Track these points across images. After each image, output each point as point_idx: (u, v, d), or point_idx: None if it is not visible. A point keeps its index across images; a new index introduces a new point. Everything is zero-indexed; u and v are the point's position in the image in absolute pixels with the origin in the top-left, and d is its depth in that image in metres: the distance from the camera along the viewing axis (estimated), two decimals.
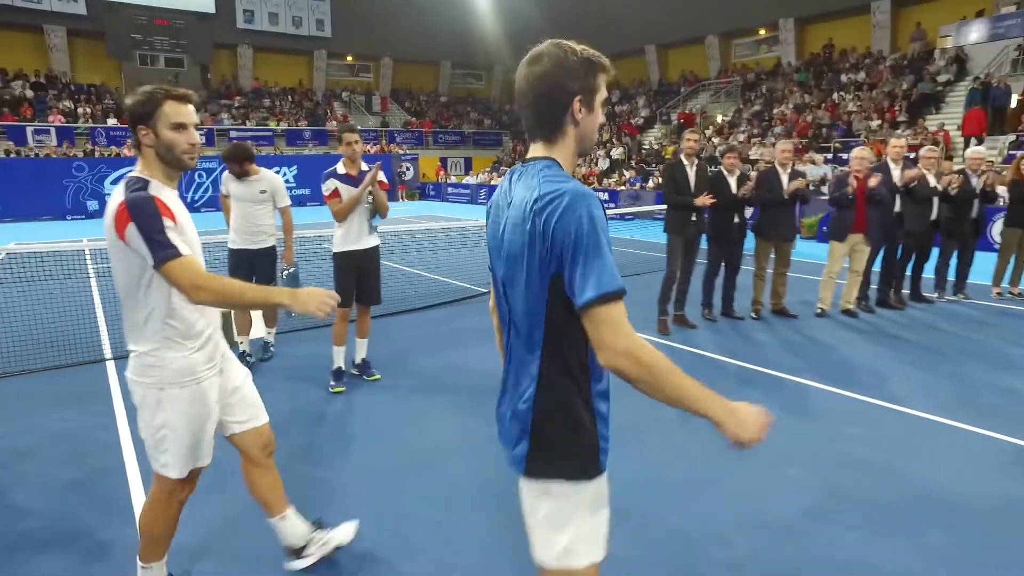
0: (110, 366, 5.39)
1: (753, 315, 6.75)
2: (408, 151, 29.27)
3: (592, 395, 1.54)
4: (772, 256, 6.75)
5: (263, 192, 5.23)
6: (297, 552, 2.67)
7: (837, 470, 3.51)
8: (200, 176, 21.68)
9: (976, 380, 4.91)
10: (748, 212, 6.67)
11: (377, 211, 4.92)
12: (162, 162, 2.15)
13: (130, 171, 2.18)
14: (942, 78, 20.25)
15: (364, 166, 4.90)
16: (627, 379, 1.38)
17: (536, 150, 1.56)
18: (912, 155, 14.49)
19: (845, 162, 13.69)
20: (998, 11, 20.26)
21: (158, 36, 27.13)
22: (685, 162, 6.01)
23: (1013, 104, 17.40)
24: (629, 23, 30.05)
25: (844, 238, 6.61)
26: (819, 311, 6.84)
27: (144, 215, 2.01)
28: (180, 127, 2.12)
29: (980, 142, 16.70)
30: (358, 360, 5.11)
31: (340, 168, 4.82)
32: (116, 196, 2.08)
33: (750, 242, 6.67)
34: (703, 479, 3.39)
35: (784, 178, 6.40)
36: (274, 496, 2.59)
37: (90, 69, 26.92)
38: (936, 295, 7.59)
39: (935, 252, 7.48)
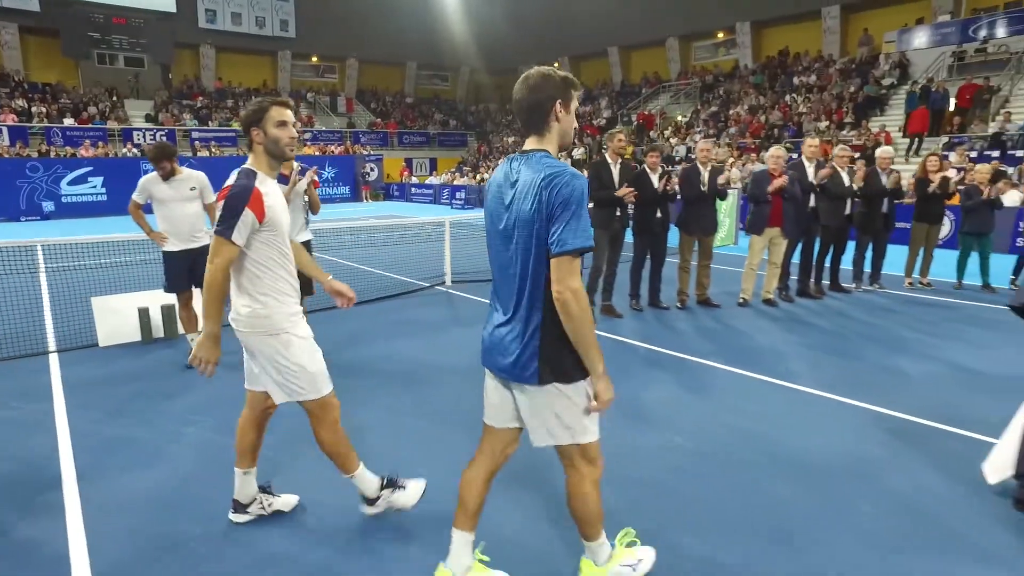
0: (53, 359, 5.57)
1: (678, 305, 7.16)
2: (373, 152, 29.38)
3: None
4: (696, 249, 7.18)
5: (193, 189, 5.22)
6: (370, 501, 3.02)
7: (715, 437, 3.89)
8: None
9: (867, 360, 5.35)
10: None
11: (310, 208, 5.19)
12: (268, 155, 2.69)
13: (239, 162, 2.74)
14: (886, 82, 21.09)
15: (296, 165, 5.15)
16: (565, 312, 2.01)
17: (531, 143, 2.16)
18: (857, 155, 15.25)
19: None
20: (935, 19, 21.15)
21: (117, 35, 26.78)
22: (610, 160, 6.38)
23: (951, 107, 18.21)
24: (593, 25, 30.60)
25: (762, 231, 7.06)
26: (741, 301, 7.28)
27: (235, 199, 2.56)
28: (282, 124, 2.66)
29: (922, 140, 17.51)
30: None
31: None
32: (231, 179, 2.65)
33: (677, 237, 7.09)
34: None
35: (704, 175, 6.81)
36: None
37: (45, 68, 26.50)
38: (854, 286, 8.09)
39: (852, 245, 7.99)
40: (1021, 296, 2.93)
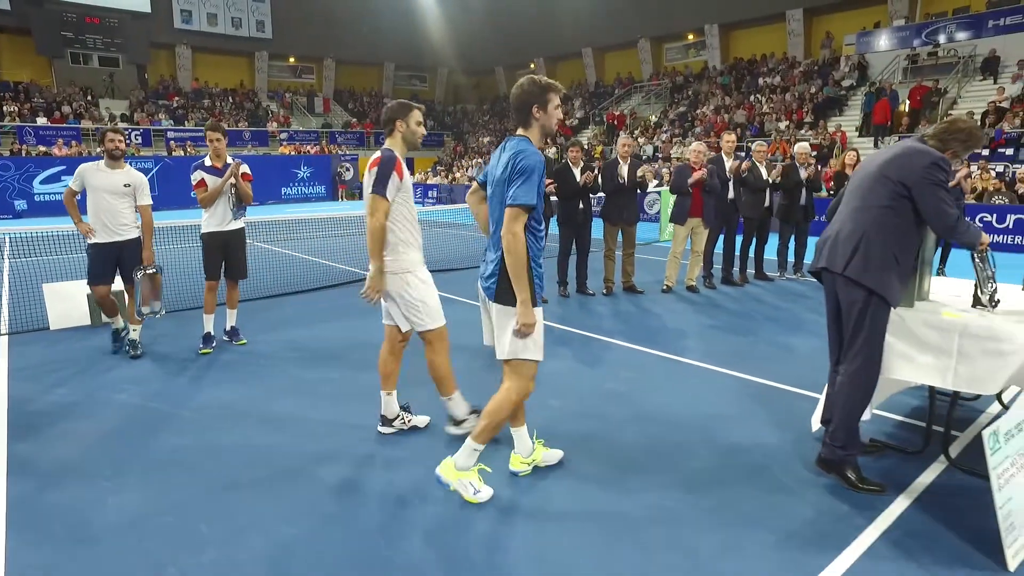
0: (3, 340, 5.91)
1: (604, 292, 7.60)
2: (349, 152, 29.65)
3: (532, 258, 2.87)
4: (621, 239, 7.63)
5: (127, 186, 5.24)
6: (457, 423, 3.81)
7: (588, 399, 4.33)
8: None
9: (760, 338, 5.81)
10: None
11: (241, 200, 5.55)
12: (405, 143, 3.58)
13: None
14: (846, 83, 21.70)
15: (229, 159, 5.53)
16: (506, 249, 2.78)
17: (520, 131, 2.94)
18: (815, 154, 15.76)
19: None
20: (892, 24, 21.81)
21: (90, 34, 26.89)
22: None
23: (905, 108, 18.82)
24: (568, 27, 31.04)
25: (684, 222, 7.52)
26: (665, 288, 7.73)
27: (387, 165, 3.42)
28: (419, 123, 3.59)
29: (886, 132, 18.09)
30: (228, 327, 5.77)
31: (207, 161, 5.46)
32: (377, 154, 3.48)
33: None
34: None
35: (624, 169, 7.25)
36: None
37: (18, 66, 26.53)
38: (778, 274, 8.57)
39: (776, 235, 8.47)
40: (816, 263, 3.37)
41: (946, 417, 3.45)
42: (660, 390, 4.53)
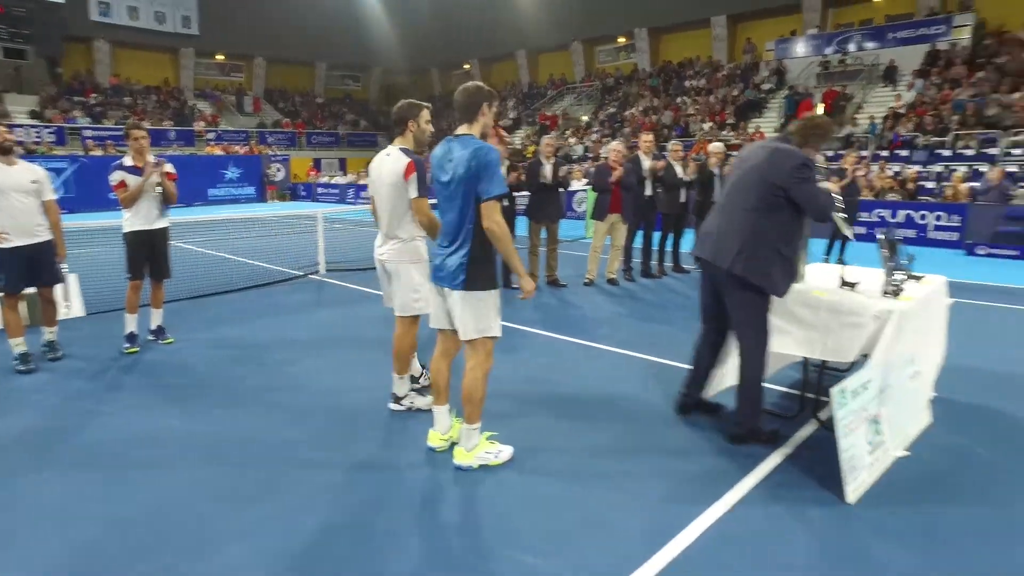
0: None
1: None
2: (280, 152, 29.12)
3: (494, 250, 3.22)
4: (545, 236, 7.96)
5: (35, 183, 5.02)
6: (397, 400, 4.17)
7: (507, 383, 4.59)
8: (52, 177, 20.79)
9: (671, 325, 6.24)
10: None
11: (166, 199, 5.55)
12: (416, 142, 3.91)
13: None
14: (765, 87, 22.84)
15: (151, 158, 5.51)
16: (494, 236, 3.12)
17: (463, 129, 3.25)
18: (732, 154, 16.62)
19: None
20: (806, 32, 23.11)
21: None
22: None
23: (820, 111, 19.98)
24: (503, 29, 31.38)
25: (604, 217, 7.92)
26: (587, 281, 8.11)
27: (423, 168, 3.75)
28: (428, 121, 3.94)
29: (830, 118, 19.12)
30: (153, 327, 5.76)
31: (127, 160, 5.43)
32: (401, 156, 3.79)
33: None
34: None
35: (547, 168, 7.59)
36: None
37: None
38: (694, 266, 9.07)
39: (692, 230, 8.98)
40: (700, 253, 3.75)
41: (816, 385, 3.89)
42: (573, 373, 4.86)
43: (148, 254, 5.53)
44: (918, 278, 4.14)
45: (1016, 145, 14.72)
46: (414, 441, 3.70)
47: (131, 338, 5.52)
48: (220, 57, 33.34)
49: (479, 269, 3.19)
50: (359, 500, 3.09)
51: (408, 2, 32.19)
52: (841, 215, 3.82)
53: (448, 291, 3.27)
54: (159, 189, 5.47)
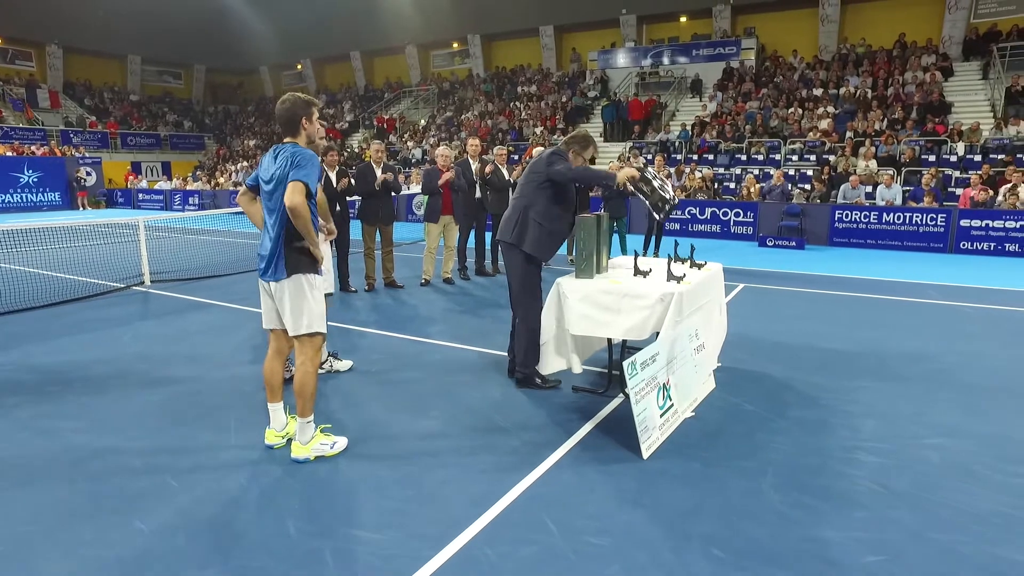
0: None
1: (366, 288, 8.03)
2: (90, 154, 26.35)
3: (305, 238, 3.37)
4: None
5: None
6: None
7: (341, 380, 4.74)
8: None
9: (499, 319, 6.65)
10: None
11: None
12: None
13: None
14: (591, 94, 24.46)
15: None
16: (293, 214, 3.22)
17: (288, 139, 3.44)
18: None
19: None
20: (624, 44, 25.10)
21: None
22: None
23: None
24: (336, 31, 30.65)
25: (437, 219, 8.22)
26: (423, 281, 8.37)
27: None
28: (319, 119, 3.60)
29: (647, 125, 20.76)
30: None
31: None
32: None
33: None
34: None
35: (378, 172, 7.74)
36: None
37: None
38: None
39: None
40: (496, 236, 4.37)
41: (619, 362, 4.45)
42: (406, 368, 5.10)
43: None
44: (700, 266, 4.87)
45: (793, 152, 17.12)
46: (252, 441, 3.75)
47: None
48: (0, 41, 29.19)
49: (293, 253, 3.39)
50: (192, 498, 3.11)
51: None
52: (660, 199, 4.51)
53: (273, 287, 3.47)
54: None
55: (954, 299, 7.69)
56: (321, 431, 3.67)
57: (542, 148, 9.88)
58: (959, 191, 13.27)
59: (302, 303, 3.41)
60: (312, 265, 3.45)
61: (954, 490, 3.23)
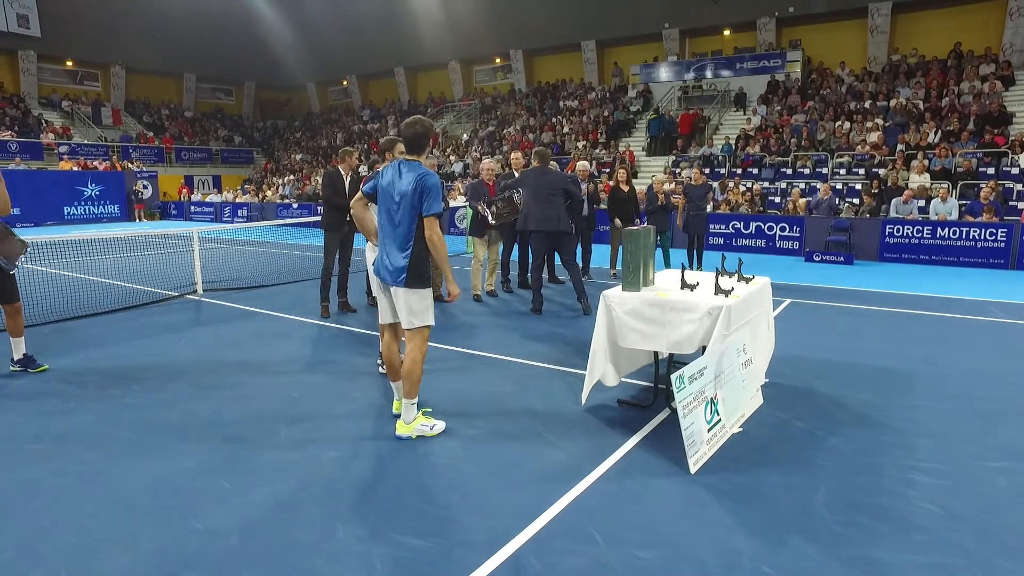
0: None
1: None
2: (146, 169, 27.41)
3: (429, 256, 3.85)
4: None
5: None
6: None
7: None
8: None
9: (543, 331, 6.67)
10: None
11: None
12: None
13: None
14: (633, 108, 24.41)
15: None
16: (433, 245, 3.75)
17: (411, 156, 3.88)
18: (608, 171, 17.73)
19: None
20: (667, 59, 25.00)
21: None
22: (343, 171, 7.20)
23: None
24: (380, 47, 31.37)
25: (483, 234, 8.29)
26: (475, 296, 8.40)
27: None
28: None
29: (690, 140, 20.63)
30: (16, 357, 5.35)
31: None
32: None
33: None
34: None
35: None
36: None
37: None
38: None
39: None
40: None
41: (666, 376, 4.41)
42: (451, 378, 5.14)
43: None
44: (748, 279, 4.81)
45: (840, 165, 16.74)
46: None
47: None
48: (69, 63, 30.81)
49: (417, 269, 3.82)
50: (245, 502, 3.20)
51: (281, 16, 31.42)
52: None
53: (393, 288, 3.89)
54: None
55: (1017, 317, 7.39)
56: (423, 413, 4.07)
57: (585, 162, 9.88)
58: (1021, 205, 12.77)
59: (415, 304, 3.86)
60: (429, 281, 3.90)
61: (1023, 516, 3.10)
